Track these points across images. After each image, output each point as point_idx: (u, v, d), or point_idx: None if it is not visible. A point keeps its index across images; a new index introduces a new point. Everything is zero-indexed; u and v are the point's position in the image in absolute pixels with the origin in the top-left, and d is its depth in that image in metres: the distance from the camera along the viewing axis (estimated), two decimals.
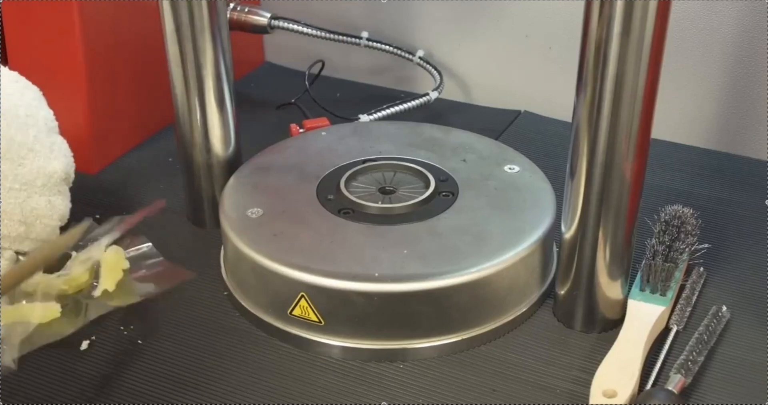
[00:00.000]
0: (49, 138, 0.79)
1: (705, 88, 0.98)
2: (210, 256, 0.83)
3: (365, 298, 0.70)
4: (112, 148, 0.97)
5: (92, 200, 0.90)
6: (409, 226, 0.75)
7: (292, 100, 1.06)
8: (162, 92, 0.87)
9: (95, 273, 0.75)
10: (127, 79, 0.96)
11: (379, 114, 0.99)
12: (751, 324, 0.75)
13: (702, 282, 0.78)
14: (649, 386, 0.68)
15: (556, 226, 0.76)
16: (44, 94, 0.82)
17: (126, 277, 0.76)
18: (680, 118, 1.00)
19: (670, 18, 0.62)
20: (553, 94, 1.04)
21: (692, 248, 0.76)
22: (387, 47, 1.05)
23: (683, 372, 0.67)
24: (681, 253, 0.75)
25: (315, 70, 1.06)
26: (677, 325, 0.73)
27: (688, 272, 0.78)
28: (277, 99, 1.08)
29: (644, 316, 0.72)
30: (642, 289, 0.75)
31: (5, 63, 0.92)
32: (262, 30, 1.03)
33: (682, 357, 0.69)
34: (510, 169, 0.82)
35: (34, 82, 0.82)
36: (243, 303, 0.76)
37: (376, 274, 0.70)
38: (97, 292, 0.74)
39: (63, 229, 0.80)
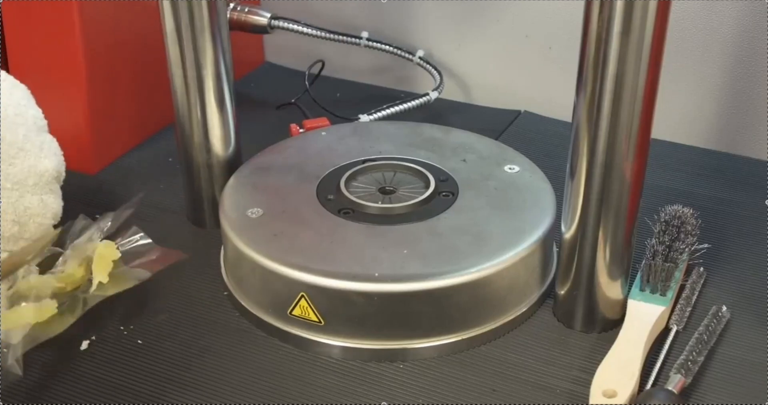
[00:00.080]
0: (39, 137, 0.79)
1: (705, 88, 0.98)
2: (210, 256, 0.83)
3: (365, 298, 0.70)
4: (112, 148, 0.97)
5: (92, 200, 0.90)
6: (409, 226, 0.75)
7: (292, 100, 1.06)
8: (162, 92, 0.87)
9: (89, 268, 0.75)
10: (127, 79, 0.96)
11: (379, 114, 0.99)
12: (751, 324, 0.75)
13: (702, 282, 0.78)
14: (649, 386, 0.68)
15: (556, 226, 0.76)
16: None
17: (119, 267, 0.76)
18: (680, 118, 1.00)
19: (670, 18, 0.62)
20: (553, 94, 1.04)
21: (692, 248, 0.76)
22: (387, 47, 1.06)
23: (683, 372, 0.67)
24: (681, 253, 0.75)
25: (315, 70, 1.06)
26: (677, 325, 0.73)
27: (688, 272, 0.78)
28: (277, 99, 1.08)
29: (644, 316, 0.72)
30: (642, 289, 0.75)
31: (5, 63, 0.92)
32: (262, 30, 1.03)
33: (682, 357, 0.69)
34: (510, 169, 0.82)
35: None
36: (243, 303, 0.76)
37: (376, 274, 0.70)
38: (93, 287, 0.74)
39: (57, 227, 0.80)
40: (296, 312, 0.72)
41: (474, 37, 1.07)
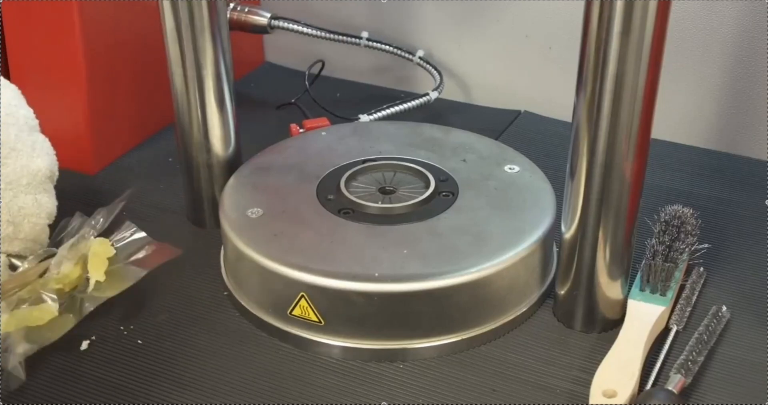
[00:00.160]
0: (31, 137, 0.78)
1: (705, 88, 0.98)
2: (210, 256, 0.83)
3: (365, 298, 0.70)
4: (112, 148, 0.97)
5: (92, 200, 0.89)
6: (409, 226, 0.75)
7: (292, 100, 1.06)
8: (162, 92, 0.87)
9: (85, 267, 0.75)
10: (127, 79, 0.96)
11: (379, 114, 0.99)
12: (751, 324, 0.75)
13: (702, 282, 0.78)
14: (649, 386, 0.68)
15: (556, 226, 0.76)
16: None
17: (115, 265, 0.75)
18: (680, 118, 1.00)
19: (670, 18, 0.62)
20: (553, 94, 1.04)
21: (692, 248, 0.76)
22: (387, 47, 1.05)
23: (683, 372, 0.67)
24: (681, 253, 0.75)
25: (315, 70, 1.06)
26: (677, 325, 0.73)
27: (688, 272, 0.78)
28: (277, 99, 1.08)
29: (644, 316, 0.72)
30: (642, 289, 0.75)
31: (5, 63, 0.92)
32: (262, 30, 1.03)
33: (682, 357, 0.69)
34: (510, 169, 0.82)
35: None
36: (243, 303, 0.76)
37: (376, 274, 0.70)
38: (90, 286, 0.73)
39: (52, 227, 0.80)
40: (296, 312, 0.72)
41: (474, 37, 1.07)
